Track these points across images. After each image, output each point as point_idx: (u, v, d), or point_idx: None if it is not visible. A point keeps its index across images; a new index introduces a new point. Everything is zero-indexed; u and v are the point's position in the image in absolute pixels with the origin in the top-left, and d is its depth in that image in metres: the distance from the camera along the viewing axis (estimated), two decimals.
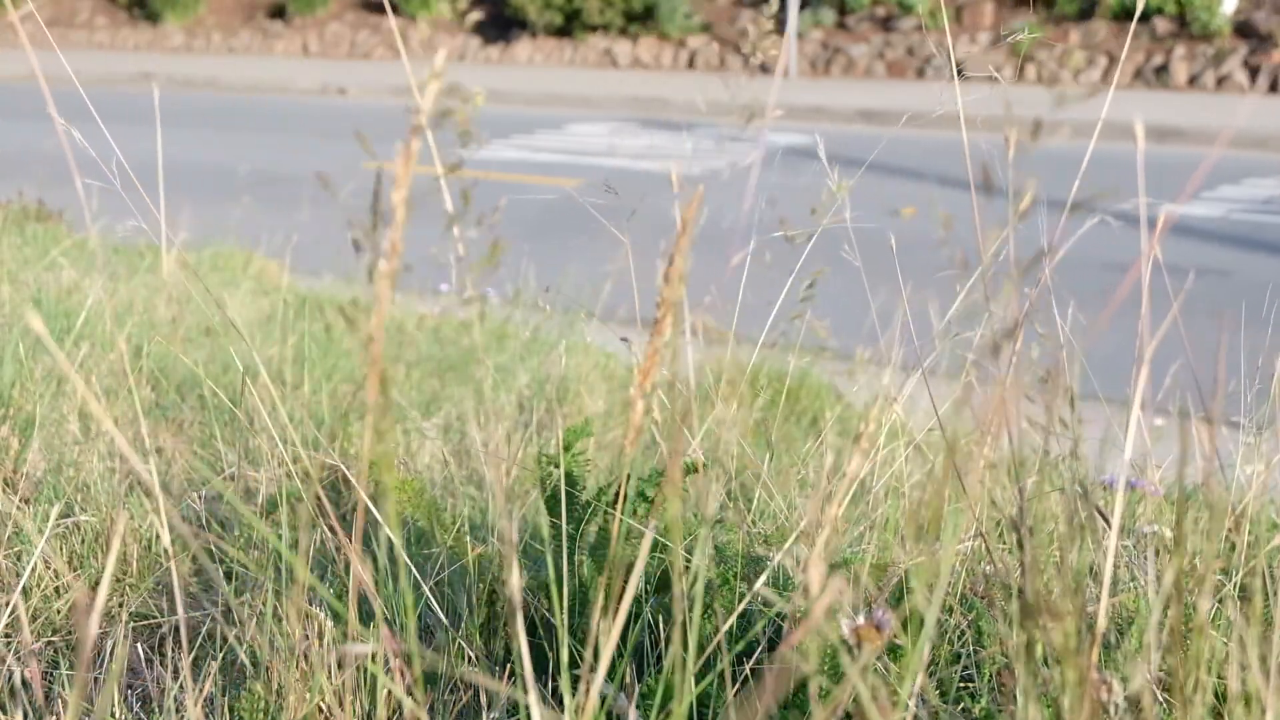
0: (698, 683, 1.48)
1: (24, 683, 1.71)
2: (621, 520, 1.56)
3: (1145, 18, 16.67)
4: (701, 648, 1.56)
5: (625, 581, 1.26)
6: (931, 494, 0.90)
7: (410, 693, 1.38)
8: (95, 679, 1.83)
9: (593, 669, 1.11)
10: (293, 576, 1.94)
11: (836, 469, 1.52)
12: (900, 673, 1.38)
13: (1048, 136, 1.11)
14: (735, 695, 1.56)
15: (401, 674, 1.42)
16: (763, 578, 1.46)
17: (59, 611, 1.99)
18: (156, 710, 1.70)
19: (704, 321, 1.37)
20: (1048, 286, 1.65)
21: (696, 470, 1.72)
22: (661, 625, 1.70)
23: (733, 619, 1.38)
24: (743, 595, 1.61)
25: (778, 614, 1.62)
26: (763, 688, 1.43)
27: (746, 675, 1.60)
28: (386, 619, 1.71)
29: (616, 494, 1.76)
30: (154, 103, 1.95)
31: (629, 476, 1.77)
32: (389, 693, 1.59)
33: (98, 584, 2.10)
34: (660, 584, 1.71)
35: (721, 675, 1.51)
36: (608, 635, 0.98)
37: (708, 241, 1.60)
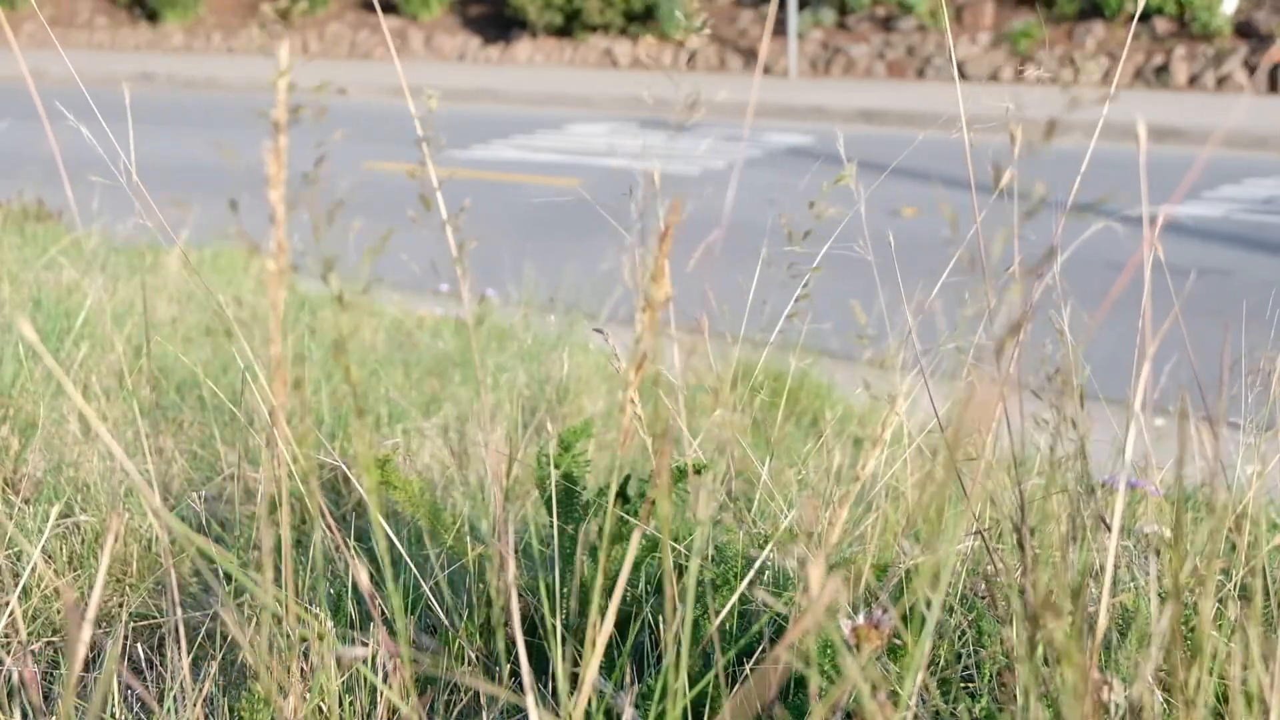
0: (697, 683, 1.48)
1: (23, 683, 1.71)
2: (618, 520, 1.56)
3: (1145, 17, 16.67)
4: (704, 650, 1.55)
5: (619, 580, 1.26)
6: (931, 494, 0.90)
7: (406, 695, 1.38)
8: (96, 679, 1.83)
9: (580, 668, 1.11)
10: (292, 577, 1.94)
11: (841, 472, 1.52)
12: (900, 672, 1.38)
13: (1060, 137, 1.11)
14: (734, 695, 1.55)
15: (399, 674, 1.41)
16: (750, 575, 1.46)
17: (59, 612, 1.99)
18: (156, 710, 1.69)
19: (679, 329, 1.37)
20: (1052, 287, 1.65)
21: (699, 472, 1.72)
22: (662, 625, 1.70)
23: (723, 616, 1.38)
24: (743, 597, 1.61)
25: (778, 614, 1.62)
26: (760, 686, 1.43)
27: (747, 675, 1.60)
28: (385, 619, 1.71)
29: (619, 494, 1.76)
30: (154, 103, 1.95)
31: (629, 477, 1.77)
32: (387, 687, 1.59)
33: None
34: (660, 584, 1.71)
35: (720, 675, 1.51)
36: (599, 633, 0.98)
37: (700, 239, 1.59)
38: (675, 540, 1.73)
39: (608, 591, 1.41)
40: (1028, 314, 1.04)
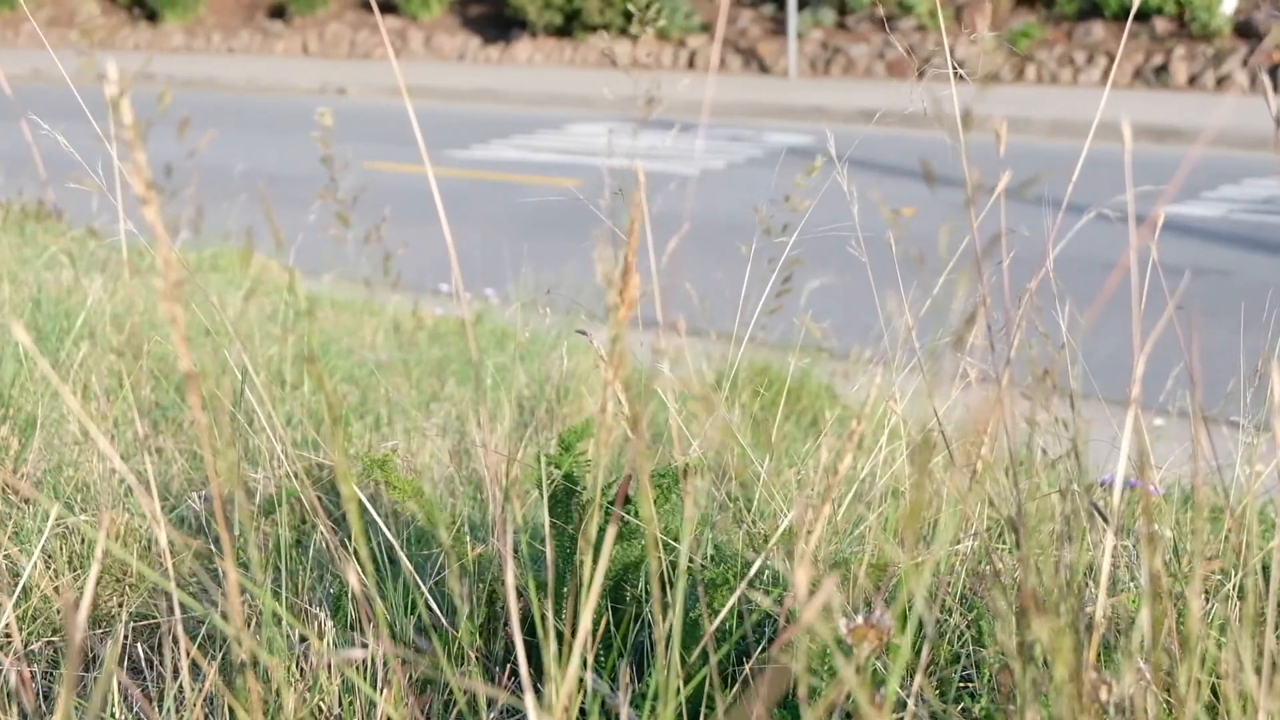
0: (697, 683, 1.48)
1: (22, 683, 1.71)
2: (615, 520, 1.56)
3: (1145, 17, 16.66)
4: (702, 649, 1.56)
5: (596, 577, 1.26)
6: (914, 491, 0.90)
7: (400, 700, 1.38)
8: (95, 679, 1.83)
9: (566, 660, 1.11)
10: (292, 577, 1.94)
11: (830, 467, 1.52)
12: (894, 670, 1.38)
13: (1061, 137, 1.11)
14: (731, 695, 1.56)
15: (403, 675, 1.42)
16: (749, 575, 1.46)
17: (58, 612, 1.99)
18: (155, 713, 1.70)
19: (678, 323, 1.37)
20: (1048, 285, 1.65)
21: (688, 473, 1.72)
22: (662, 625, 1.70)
23: (721, 617, 1.38)
24: (744, 597, 1.61)
25: (773, 614, 1.62)
26: (757, 690, 1.43)
27: (747, 675, 1.60)
28: (378, 621, 1.72)
29: (620, 494, 1.76)
30: (153, 104, 1.96)
31: (629, 477, 1.77)
32: (383, 694, 1.60)
33: (97, 584, 2.10)
34: (659, 584, 1.71)
35: (721, 674, 1.51)
36: (589, 628, 0.98)
37: (699, 239, 1.60)
38: (675, 540, 1.73)
39: (600, 591, 1.41)
40: (984, 304, 1.04)
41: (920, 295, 1.85)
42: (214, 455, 0.98)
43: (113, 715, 1.68)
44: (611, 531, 1.03)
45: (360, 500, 1.68)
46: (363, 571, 1.67)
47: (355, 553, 1.88)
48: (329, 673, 1.65)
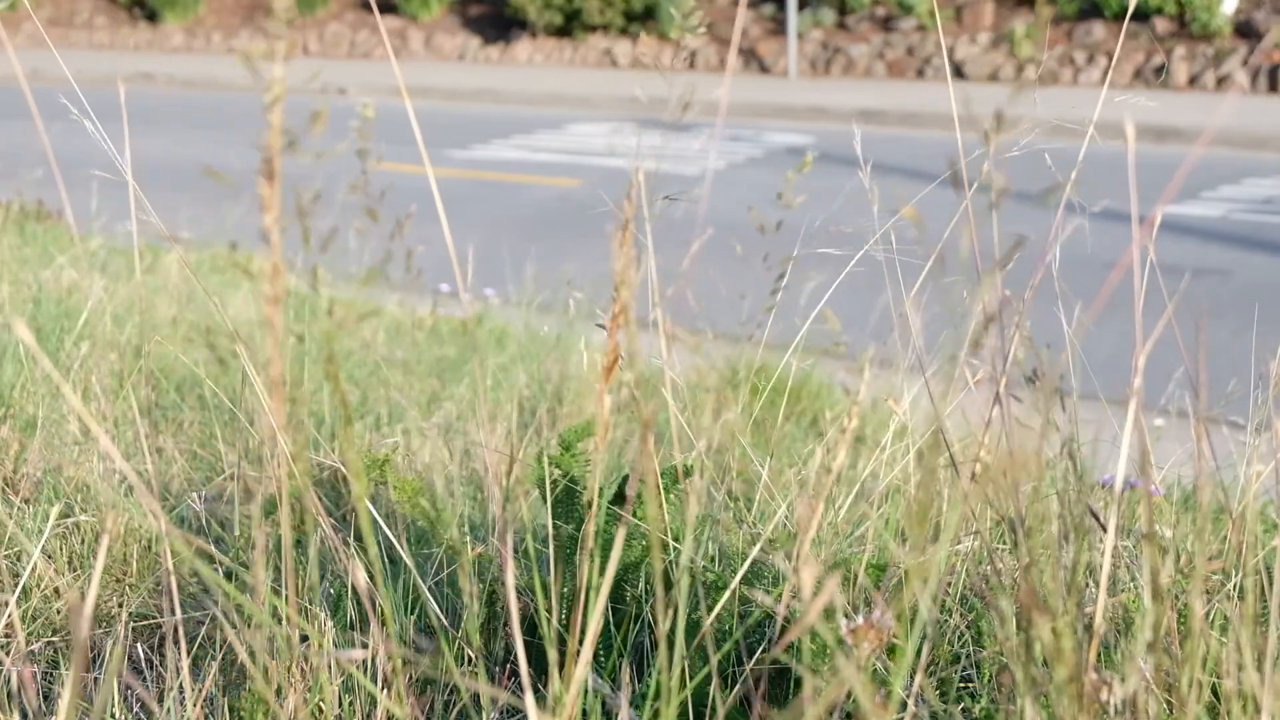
0: (696, 683, 1.48)
1: (22, 683, 1.71)
2: (610, 519, 1.56)
3: (1145, 17, 16.66)
4: (701, 649, 1.56)
5: (605, 581, 1.26)
6: (920, 491, 0.90)
7: (401, 700, 1.38)
8: (96, 679, 1.83)
9: (569, 663, 1.11)
10: (293, 577, 1.94)
11: (826, 466, 1.52)
12: (897, 670, 1.38)
13: (1063, 138, 1.11)
14: (731, 695, 1.56)
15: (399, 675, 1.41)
16: (739, 575, 1.46)
17: (59, 612, 1.99)
18: (156, 710, 1.70)
19: (675, 328, 1.37)
20: (1049, 286, 1.65)
21: (689, 473, 1.72)
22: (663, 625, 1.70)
23: (715, 613, 1.38)
24: (747, 598, 1.62)
25: (773, 613, 1.62)
26: (759, 693, 1.43)
27: (746, 675, 1.60)
28: (383, 621, 1.71)
29: (617, 493, 1.76)
30: (154, 103, 1.96)
31: (627, 477, 1.77)
32: (384, 693, 1.60)
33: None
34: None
35: (721, 674, 1.51)
36: (591, 630, 0.98)
37: (696, 239, 1.60)
38: (676, 540, 1.73)
39: (601, 591, 1.41)
40: (1002, 309, 1.04)
41: (920, 295, 1.85)
42: (293, 461, 0.98)
43: (113, 716, 1.68)
44: (620, 534, 1.03)
45: (360, 501, 1.67)
46: (378, 567, 1.67)
47: (363, 550, 1.88)
48: (329, 673, 1.65)
